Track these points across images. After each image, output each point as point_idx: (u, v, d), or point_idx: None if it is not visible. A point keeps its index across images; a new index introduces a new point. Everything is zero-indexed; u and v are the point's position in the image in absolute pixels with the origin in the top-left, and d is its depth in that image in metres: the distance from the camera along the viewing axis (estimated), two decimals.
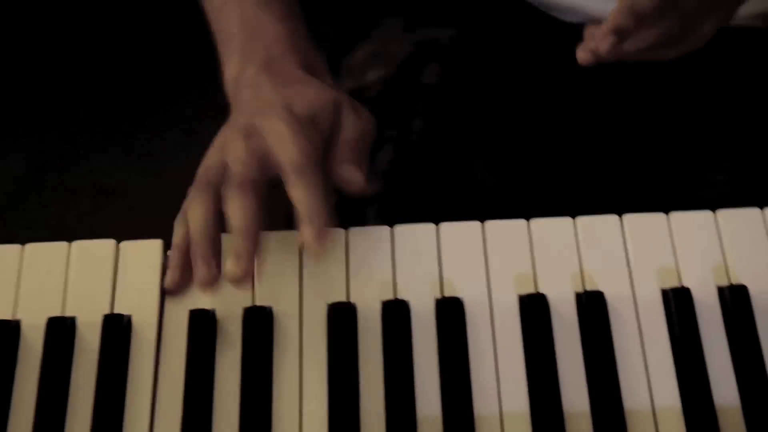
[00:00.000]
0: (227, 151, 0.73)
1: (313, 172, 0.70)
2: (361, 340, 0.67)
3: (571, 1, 0.99)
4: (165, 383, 0.66)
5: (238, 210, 0.69)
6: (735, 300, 0.66)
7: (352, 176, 0.74)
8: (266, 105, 0.76)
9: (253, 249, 0.69)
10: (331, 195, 0.74)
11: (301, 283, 0.72)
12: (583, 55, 0.71)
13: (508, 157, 0.85)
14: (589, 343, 0.64)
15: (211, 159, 0.75)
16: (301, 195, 0.69)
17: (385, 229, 0.73)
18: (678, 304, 0.65)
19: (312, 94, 0.77)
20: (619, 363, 0.64)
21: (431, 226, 0.73)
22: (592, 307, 0.66)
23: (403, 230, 0.73)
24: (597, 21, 0.74)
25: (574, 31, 0.81)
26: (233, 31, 0.85)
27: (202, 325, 0.68)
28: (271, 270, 0.73)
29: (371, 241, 0.73)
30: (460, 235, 0.72)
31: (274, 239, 0.74)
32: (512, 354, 0.65)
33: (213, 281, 0.69)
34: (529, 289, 0.67)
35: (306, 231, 0.68)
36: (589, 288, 0.67)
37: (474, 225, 0.72)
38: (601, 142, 0.93)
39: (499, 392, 0.64)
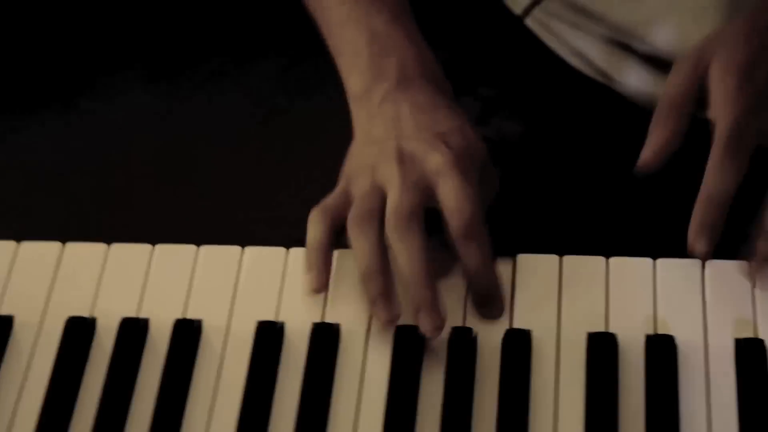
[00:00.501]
0: (382, 175, 0.72)
1: (481, 231, 0.69)
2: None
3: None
4: (225, 392, 0.66)
5: (407, 254, 0.67)
6: None
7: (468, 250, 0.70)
8: (416, 129, 0.75)
9: (433, 295, 0.66)
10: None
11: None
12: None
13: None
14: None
15: (361, 182, 0.74)
16: (469, 257, 0.68)
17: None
18: (749, 354, 0.64)
19: (469, 130, 0.76)
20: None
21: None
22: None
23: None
24: None
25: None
26: (360, 45, 0.83)
27: (268, 337, 0.68)
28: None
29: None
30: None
31: None
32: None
33: (395, 319, 0.67)
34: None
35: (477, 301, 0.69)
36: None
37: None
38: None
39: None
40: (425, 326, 0.65)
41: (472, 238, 0.67)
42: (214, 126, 1.76)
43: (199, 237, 0.77)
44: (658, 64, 0.98)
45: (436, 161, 0.70)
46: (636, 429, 0.61)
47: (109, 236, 0.77)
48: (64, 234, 0.77)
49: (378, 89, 0.79)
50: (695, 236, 0.67)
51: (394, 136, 0.74)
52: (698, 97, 0.74)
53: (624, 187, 0.87)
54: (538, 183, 1.01)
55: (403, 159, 0.71)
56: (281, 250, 0.75)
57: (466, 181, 0.70)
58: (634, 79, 1.00)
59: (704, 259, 0.69)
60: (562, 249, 0.74)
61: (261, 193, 1.57)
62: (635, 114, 0.98)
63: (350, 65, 0.83)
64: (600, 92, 1.03)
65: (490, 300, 0.69)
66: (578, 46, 1.03)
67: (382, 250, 0.68)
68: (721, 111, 0.71)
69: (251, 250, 0.75)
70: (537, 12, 1.02)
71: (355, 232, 0.69)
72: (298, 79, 1.75)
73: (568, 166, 1.02)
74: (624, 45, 1.00)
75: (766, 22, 0.79)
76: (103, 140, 1.76)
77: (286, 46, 1.84)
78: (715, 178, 0.68)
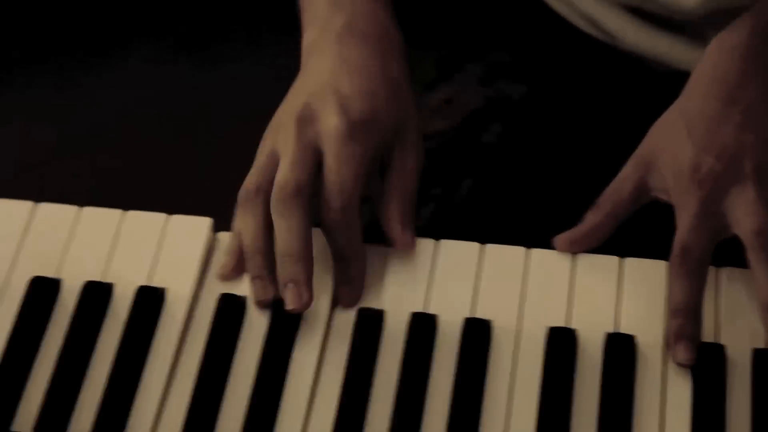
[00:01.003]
0: (279, 142, 0.73)
1: (354, 214, 0.71)
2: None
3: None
4: (184, 364, 0.67)
5: (285, 230, 0.69)
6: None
7: (401, 236, 0.74)
8: (326, 86, 0.76)
9: (304, 272, 0.68)
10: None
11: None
12: None
13: (559, 225, 0.84)
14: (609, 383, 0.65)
15: (265, 148, 0.75)
16: (339, 236, 0.71)
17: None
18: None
19: (381, 100, 0.76)
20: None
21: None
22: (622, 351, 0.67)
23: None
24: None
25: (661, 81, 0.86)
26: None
27: (230, 310, 0.69)
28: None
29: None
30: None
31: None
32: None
33: (267, 301, 0.70)
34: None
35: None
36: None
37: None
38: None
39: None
40: (289, 302, 0.67)
41: (344, 219, 0.69)
42: (240, 97, 1.80)
43: (220, 206, 0.77)
44: (670, 25, 0.99)
45: (328, 126, 0.71)
46: (588, 424, 0.63)
47: (131, 202, 0.78)
48: (90, 196, 0.79)
49: (318, 42, 0.80)
50: (676, 347, 0.68)
51: (305, 93, 0.75)
52: (647, 190, 0.76)
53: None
54: (537, 152, 1.01)
55: (302, 119, 0.72)
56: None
57: (354, 153, 0.71)
58: (643, 39, 1.01)
59: (689, 365, 0.68)
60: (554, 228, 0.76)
61: None
62: (642, 74, 1.02)
63: (305, 17, 0.84)
64: (608, 53, 1.04)
65: (348, 282, 0.71)
66: (587, 8, 1.04)
67: (266, 228, 0.70)
68: (677, 218, 0.72)
69: None
70: None
71: (240, 210, 0.72)
72: None
73: (571, 129, 1.03)
74: (635, 8, 1.00)
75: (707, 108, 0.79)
76: (133, 103, 1.81)
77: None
78: (677, 291, 0.69)
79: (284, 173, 0.70)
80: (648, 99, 0.96)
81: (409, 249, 0.74)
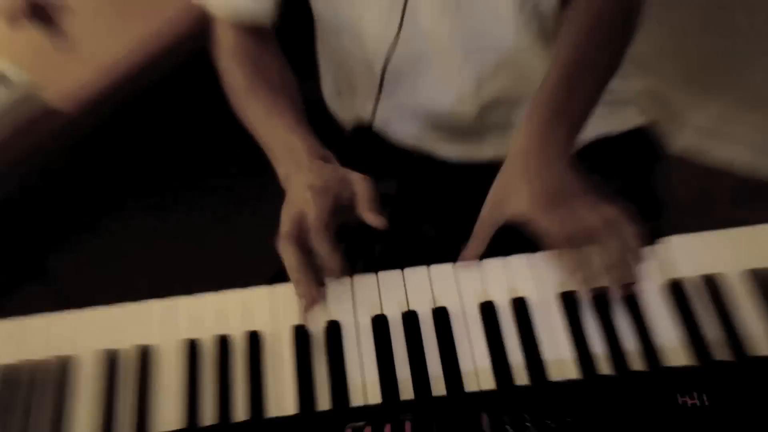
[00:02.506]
0: (291, 226, 0.94)
1: (322, 231, 0.92)
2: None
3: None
4: None
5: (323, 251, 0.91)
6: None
7: (377, 220, 0.95)
8: (303, 186, 0.96)
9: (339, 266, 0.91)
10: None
11: None
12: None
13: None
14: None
15: (284, 221, 0.95)
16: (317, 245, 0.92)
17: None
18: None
19: (326, 174, 0.97)
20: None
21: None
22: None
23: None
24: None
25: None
26: (275, 145, 1.04)
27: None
28: None
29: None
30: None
31: None
32: None
33: (315, 304, 0.91)
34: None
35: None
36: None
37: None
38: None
39: None
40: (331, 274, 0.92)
41: (321, 241, 0.91)
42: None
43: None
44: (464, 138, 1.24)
45: (305, 198, 0.94)
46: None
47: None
48: None
49: (291, 174, 1.00)
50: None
51: (295, 195, 0.97)
52: (500, 219, 0.94)
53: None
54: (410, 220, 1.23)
55: (292, 214, 0.95)
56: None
57: (319, 212, 0.92)
58: (448, 149, 1.26)
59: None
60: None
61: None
62: (455, 168, 1.25)
63: (272, 156, 1.04)
64: (433, 161, 1.27)
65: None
66: (406, 132, 1.27)
67: (305, 260, 0.92)
68: (540, 223, 0.91)
69: None
70: (377, 117, 1.24)
71: (284, 250, 0.93)
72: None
73: (425, 201, 1.25)
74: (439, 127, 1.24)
75: (557, 145, 0.98)
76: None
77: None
78: (570, 259, 0.90)
79: (312, 220, 0.92)
80: (469, 178, 1.16)
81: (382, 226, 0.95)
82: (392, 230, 1.13)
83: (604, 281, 0.88)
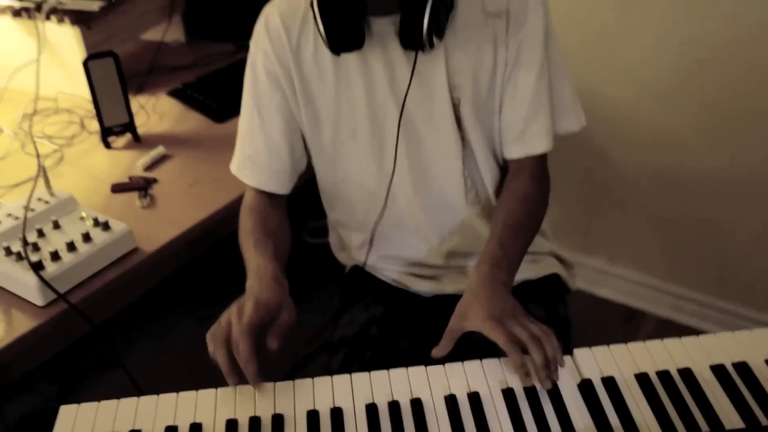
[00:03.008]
0: (225, 318, 0.92)
1: (244, 336, 0.88)
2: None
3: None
4: None
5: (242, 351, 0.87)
6: None
7: (273, 344, 0.91)
8: (251, 295, 0.94)
9: (254, 368, 0.87)
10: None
11: None
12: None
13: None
14: None
15: (215, 325, 0.92)
16: (239, 348, 0.88)
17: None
18: None
19: (273, 293, 0.95)
20: None
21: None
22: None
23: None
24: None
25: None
26: (250, 264, 1.02)
27: None
28: None
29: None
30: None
31: None
32: None
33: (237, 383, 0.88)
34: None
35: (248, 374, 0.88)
36: None
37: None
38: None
39: None
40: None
41: (240, 344, 0.87)
42: None
43: None
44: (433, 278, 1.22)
45: (246, 307, 0.91)
46: None
47: None
48: None
49: (253, 283, 0.97)
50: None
51: (246, 299, 0.94)
52: (462, 328, 0.93)
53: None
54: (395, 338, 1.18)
55: (231, 310, 0.92)
56: None
57: (249, 318, 0.89)
58: (432, 286, 1.23)
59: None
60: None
61: None
62: (421, 300, 1.23)
63: (247, 273, 1.01)
64: (407, 295, 1.25)
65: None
66: (388, 273, 1.25)
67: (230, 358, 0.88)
68: (490, 334, 0.89)
69: None
70: (368, 263, 1.25)
71: (214, 349, 0.90)
72: None
73: (406, 327, 1.21)
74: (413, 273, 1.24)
75: (501, 281, 0.98)
76: None
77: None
78: (516, 358, 0.87)
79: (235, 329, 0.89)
80: (434, 306, 1.19)
81: (274, 355, 0.91)
82: (380, 341, 1.17)
83: (536, 378, 0.87)
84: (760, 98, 1.66)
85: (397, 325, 1.19)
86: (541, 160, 1.12)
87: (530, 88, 1.06)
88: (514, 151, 1.10)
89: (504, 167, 1.15)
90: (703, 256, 1.92)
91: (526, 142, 1.09)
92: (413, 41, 0.99)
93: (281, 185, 1.15)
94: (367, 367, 1.02)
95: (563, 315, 1.23)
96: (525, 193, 1.10)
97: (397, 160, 1.11)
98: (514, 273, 1.02)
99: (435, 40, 0.99)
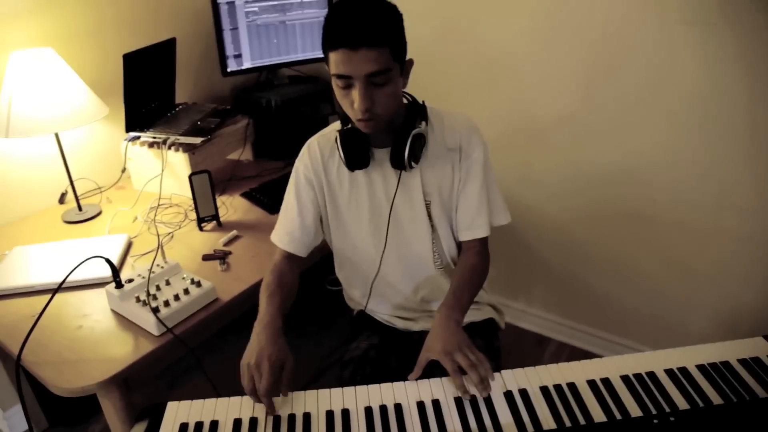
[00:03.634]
0: (249, 369, 0.88)
1: (268, 397, 0.85)
2: None
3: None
4: None
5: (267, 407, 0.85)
6: None
7: (285, 393, 0.88)
8: (262, 351, 0.89)
9: (273, 412, 0.85)
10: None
11: None
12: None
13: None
14: None
15: (244, 362, 0.89)
16: (265, 404, 0.85)
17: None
18: None
19: (280, 351, 0.91)
20: None
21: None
22: None
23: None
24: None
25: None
26: (262, 312, 0.98)
27: None
28: None
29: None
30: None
31: None
32: None
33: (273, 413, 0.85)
34: None
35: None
36: None
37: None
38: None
39: None
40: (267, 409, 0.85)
41: (263, 396, 0.85)
42: None
43: None
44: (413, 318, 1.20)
45: (264, 368, 0.87)
46: None
47: None
48: None
49: (260, 331, 0.93)
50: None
51: (255, 350, 0.90)
52: (428, 358, 0.91)
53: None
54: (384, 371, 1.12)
55: (256, 362, 0.88)
56: None
57: (268, 378, 0.85)
58: (412, 324, 1.21)
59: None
60: None
61: None
62: (403, 333, 1.21)
63: (258, 318, 0.97)
64: (394, 330, 1.22)
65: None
66: (382, 314, 1.23)
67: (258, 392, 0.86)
68: (443, 363, 0.89)
69: None
70: (368, 308, 1.23)
71: (247, 384, 0.88)
72: None
73: (397, 351, 1.17)
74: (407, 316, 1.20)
75: (455, 320, 0.96)
76: None
77: None
78: (457, 381, 0.86)
79: (257, 379, 0.87)
80: (411, 338, 1.18)
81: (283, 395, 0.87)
82: (377, 361, 1.15)
83: (474, 391, 0.88)
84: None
85: (388, 350, 1.18)
86: (483, 241, 1.12)
87: (476, 196, 1.08)
88: (466, 236, 1.11)
89: (459, 245, 1.15)
90: (590, 301, 1.93)
91: (473, 229, 1.10)
92: (399, 164, 1.02)
93: (304, 251, 1.13)
94: (368, 378, 1.05)
95: (496, 346, 1.22)
96: (472, 263, 1.10)
97: (387, 239, 1.11)
98: (464, 314, 1.01)
99: (413, 164, 1.02)
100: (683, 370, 0.89)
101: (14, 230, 1.53)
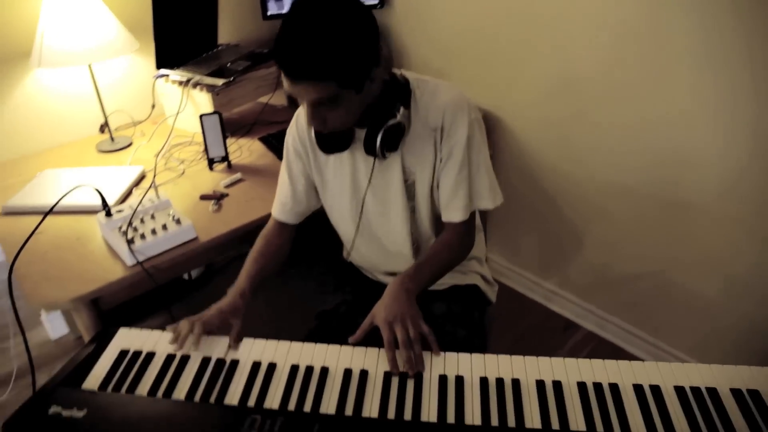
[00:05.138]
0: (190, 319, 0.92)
1: (200, 326, 0.89)
2: None
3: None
4: None
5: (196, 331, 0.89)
6: None
7: (233, 347, 0.88)
8: (211, 313, 0.94)
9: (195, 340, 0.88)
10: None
11: None
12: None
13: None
14: None
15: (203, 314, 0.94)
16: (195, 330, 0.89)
17: None
18: None
19: (231, 306, 0.95)
20: None
21: None
22: None
23: None
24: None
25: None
26: (239, 279, 1.01)
27: None
28: None
29: None
30: None
31: None
32: None
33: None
34: None
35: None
36: None
37: None
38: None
39: None
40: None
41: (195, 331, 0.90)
42: None
43: None
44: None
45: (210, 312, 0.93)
46: None
47: None
48: None
49: (234, 292, 0.98)
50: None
51: (221, 304, 0.95)
52: (373, 323, 0.89)
53: None
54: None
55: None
56: None
57: (206, 321, 0.90)
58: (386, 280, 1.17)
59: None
60: None
61: None
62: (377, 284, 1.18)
63: (239, 277, 1.02)
64: (375, 284, 1.19)
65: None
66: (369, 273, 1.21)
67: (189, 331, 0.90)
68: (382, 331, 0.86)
69: None
70: (351, 257, 1.20)
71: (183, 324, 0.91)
72: None
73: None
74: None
75: (406, 290, 0.92)
76: None
77: None
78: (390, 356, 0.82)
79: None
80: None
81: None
82: (345, 317, 1.13)
83: (403, 368, 0.82)
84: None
85: (359, 309, 1.14)
86: (461, 224, 1.05)
87: (453, 178, 1.01)
88: (444, 216, 1.06)
89: (441, 226, 1.09)
90: (624, 291, 1.77)
91: (448, 212, 1.04)
92: (372, 153, 0.96)
93: (295, 219, 1.13)
94: (334, 334, 1.03)
95: (477, 318, 1.15)
96: (445, 239, 1.05)
97: (361, 222, 1.09)
98: (419, 287, 0.96)
99: (387, 153, 0.96)
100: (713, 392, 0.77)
101: (54, 154, 1.66)
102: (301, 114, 1.08)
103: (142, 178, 1.47)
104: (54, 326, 1.91)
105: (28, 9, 1.55)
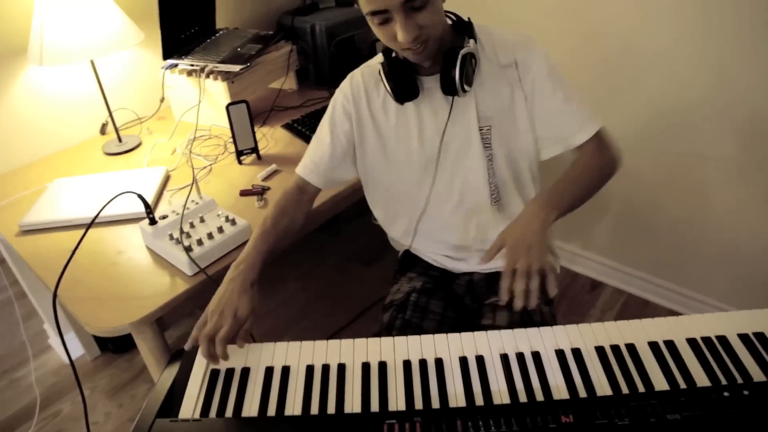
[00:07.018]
0: (212, 316, 0.85)
1: (223, 341, 0.81)
2: None
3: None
4: None
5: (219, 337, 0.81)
6: None
7: (241, 345, 0.83)
8: (230, 302, 0.85)
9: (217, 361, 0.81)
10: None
11: None
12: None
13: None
14: None
15: (209, 309, 0.86)
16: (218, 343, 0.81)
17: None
18: None
19: (246, 307, 0.86)
20: None
21: None
22: None
23: None
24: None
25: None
26: (244, 254, 0.93)
27: None
28: None
29: None
30: None
31: None
32: None
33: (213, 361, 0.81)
34: None
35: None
36: None
37: None
38: None
39: None
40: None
41: (221, 340, 0.81)
42: None
43: None
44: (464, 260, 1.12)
45: (227, 315, 0.84)
46: None
47: None
48: None
49: (238, 272, 0.90)
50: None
51: (223, 294, 0.87)
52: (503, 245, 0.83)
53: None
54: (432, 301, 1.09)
55: (215, 310, 0.85)
56: None
57: (230, 328, 0.82)
58: (462, 265, 1.13)
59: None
60: None
61: None
62: (451, 274, 1.14)
63: (243, 253, 0.93)
64: (444, 272, 1.16)
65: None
66: (428, 254, 1.16)
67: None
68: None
69: None
70: (413, 245, 1.15)
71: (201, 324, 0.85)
72: None
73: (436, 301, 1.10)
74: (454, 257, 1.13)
75: (541, 219, 0.84)
76: None
77: None
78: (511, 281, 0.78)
79: (212, 322, 0.83)
80: (465, 281, 1.10)
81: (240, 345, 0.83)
82: (417, 305, 1.08)
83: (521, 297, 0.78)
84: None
85: (430, 295, 1.11)
86: (591, 143, 0.96)
87: (551, 105, 0.95)
88: (558, 149, 0.98)
89: (519, 177, 1.03)
90: (649, 246, 1.78)
91: (571, 139, 0.96)
92: (451, 89, 0.92)
93: (324, 183, 1.07)
94: (407, 323, 0.97)
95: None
96: (583, 161, 0.96)
97: (437, 172, 1.03)
98: (558, 212, 0.86)
99: (466, 87, 0.92)
100: (760, 336, 0.78)
101: (56, 161, 1.52)
102: (357, 74, 1.04)
103: (167, 179, 1.37)
104: (69, 348, 1.78)
105: (19, 2, 1.39)
